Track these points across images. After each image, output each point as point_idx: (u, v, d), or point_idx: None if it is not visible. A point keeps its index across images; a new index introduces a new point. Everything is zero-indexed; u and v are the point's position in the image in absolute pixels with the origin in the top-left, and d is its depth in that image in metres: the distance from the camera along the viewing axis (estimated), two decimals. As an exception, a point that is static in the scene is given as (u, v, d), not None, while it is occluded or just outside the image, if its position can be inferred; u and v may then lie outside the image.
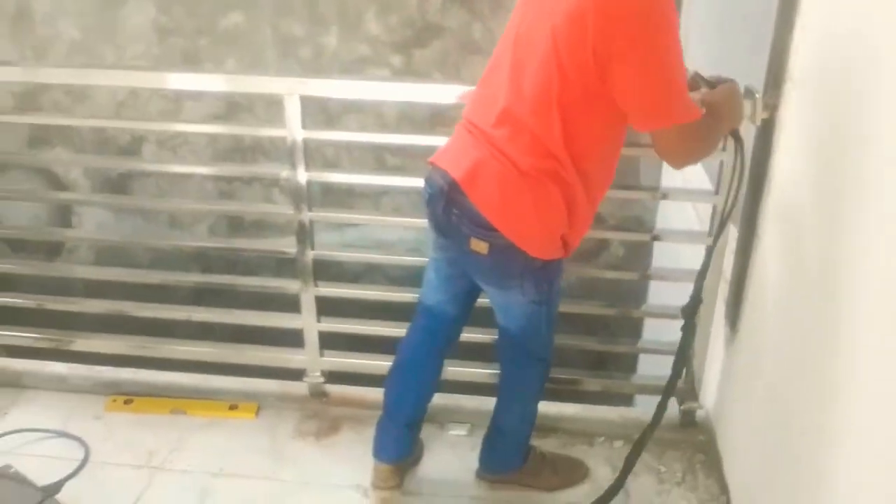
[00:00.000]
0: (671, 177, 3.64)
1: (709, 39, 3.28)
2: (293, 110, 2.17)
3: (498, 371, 2.25)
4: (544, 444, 2.40)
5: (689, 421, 2.49)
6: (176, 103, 3.80)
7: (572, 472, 2.30)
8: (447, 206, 1.76)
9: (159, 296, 2.77)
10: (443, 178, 1.76)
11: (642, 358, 3.62)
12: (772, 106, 2.03)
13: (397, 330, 2.39)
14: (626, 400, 3.28)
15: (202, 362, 2.70)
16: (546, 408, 2.39)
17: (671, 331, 2.68)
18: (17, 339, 2.71)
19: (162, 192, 3.97)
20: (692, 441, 2.45)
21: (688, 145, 1.72)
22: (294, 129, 2.20)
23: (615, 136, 1.77)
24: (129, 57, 3.73)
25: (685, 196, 2.60)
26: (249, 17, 3.62)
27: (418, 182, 1.91)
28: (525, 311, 1.90)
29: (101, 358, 2.76)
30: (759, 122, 2.05)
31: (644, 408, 2.75)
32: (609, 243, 3.84)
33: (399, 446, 2.18)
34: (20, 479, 1.99)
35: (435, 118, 3.45)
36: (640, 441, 2.11)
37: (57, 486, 1.95)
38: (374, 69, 3.61)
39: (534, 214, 1.71)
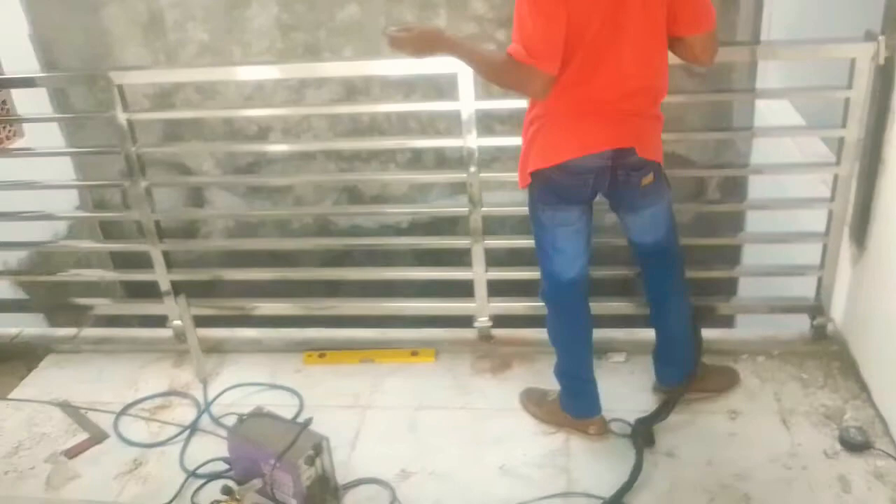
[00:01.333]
0: (763, 117, 3.93)
1: None
2: (466, 86, 2.50)
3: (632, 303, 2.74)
4: (694, 364, 2.73)
5: (820, 335, 2.80)
6: (298, 93, 4.14)
7: (731, 377, 2.64)
8: (614, 174, 2.16)
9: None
10: (601, 158, 2.12)
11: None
12: (892, 47, 2.32)
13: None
14: (728, 321, 3.51)
15: (369, 317, 3.09)
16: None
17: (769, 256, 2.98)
18: (209, 311, 3.10)
19: (289, 175, 4.32)
20: (826, 351, 2.76)
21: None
22: (467, 102, 2.53)
23: None
24: (254, 53, 4.07)
25: (818, 132, 2.89)
26: (364, 8, 3.95)
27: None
28: (668, 214, 2.36)
29: (276, 320, 3.16)
30: (882, 61, 2.34)
31: (769, 328, 3.05)
32: (706, 186, 4.12)
33: (598, 397, 2.50)
34: (276, 416, 2.37)
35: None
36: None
37: (308, 420, 2.32)
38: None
39: (660, 138, 2.23)
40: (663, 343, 2.57)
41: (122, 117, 2.74)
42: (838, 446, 2.36)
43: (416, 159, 4.28)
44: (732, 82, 3.80)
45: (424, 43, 2.15)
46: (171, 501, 2.33)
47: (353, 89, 4.09)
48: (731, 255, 3.62)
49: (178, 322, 3.05)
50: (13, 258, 3.87)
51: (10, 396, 2.93)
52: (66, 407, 2.83)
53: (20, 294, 3.82)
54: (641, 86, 2.10)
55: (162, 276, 3.01)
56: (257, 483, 2.18)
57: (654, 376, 2.62)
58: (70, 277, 3.38)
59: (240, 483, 2.27)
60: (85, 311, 3.30)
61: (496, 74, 2.11)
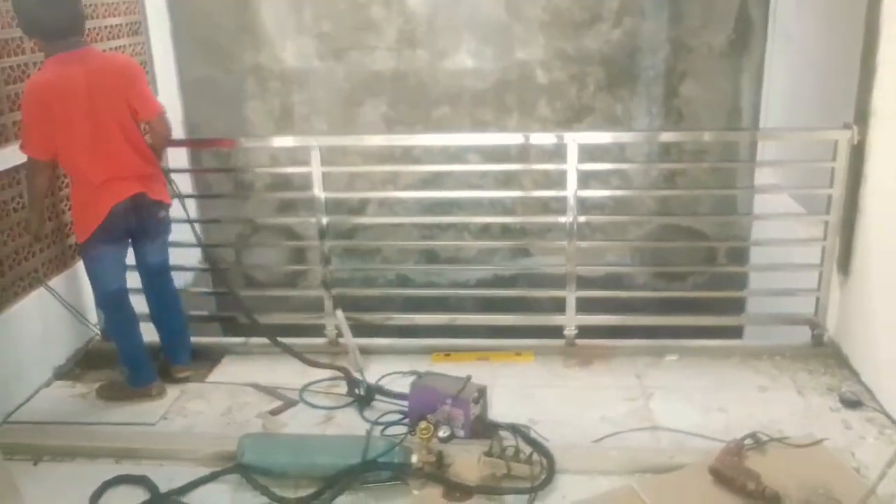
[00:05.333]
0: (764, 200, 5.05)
1: (794, 89, 4.81)
2: (573, 152, 3.59)
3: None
4: (727, 364, 3.73)
5: (818, 342, 3.81)
6: (393, 173, 5.23)
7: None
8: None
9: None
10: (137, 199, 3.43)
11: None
12: (862, 132, 3.47)
13: (641, 293, 3.77)
14: (738, 332, 4.60)
15: (477, 329, 4.06)
16: (728, 343, 3.86)
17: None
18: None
19: (380, 239, 5.32)
20: (824, 353, 3.76)
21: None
22: (573, 164, 3.61)
23: None
24: (362, 144, 5.17)
25: (812, 190, 3.89)
26: (454, 108, 5.11)
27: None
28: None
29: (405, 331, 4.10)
30: (855, 142, 3.49)
31: (769, 339, 4.06)
32: (716, 254, 5.21)
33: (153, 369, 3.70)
34: (444, 374, 3.30)
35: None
36: None
37: (469, 376, 3.24)
38: (541, 139, 5.10)
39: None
40: (170, 336, 3.77)
41: (317, 171, 3.77)
42: (839, 404, 3.35)
43: (485, 229, 5.34)
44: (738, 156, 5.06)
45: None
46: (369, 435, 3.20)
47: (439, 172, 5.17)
48: (740, 282, 4.73)
49: (330, 329, 3.99)
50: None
51: (207, 380, 3.80)
52: (257, 386, 3.71)
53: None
54: None
55: (327, 293, 3.97)
56: (445, 410, 3.08)
57: (170, 362, 3.76)
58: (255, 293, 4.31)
59: (411, 429, 3.17)
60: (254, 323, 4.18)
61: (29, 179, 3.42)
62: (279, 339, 3.85)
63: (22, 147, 3.29)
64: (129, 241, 3.54)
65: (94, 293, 3.67)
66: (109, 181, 3.32)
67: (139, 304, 3.71)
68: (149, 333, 3.75)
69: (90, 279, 3.61)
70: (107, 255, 3.44)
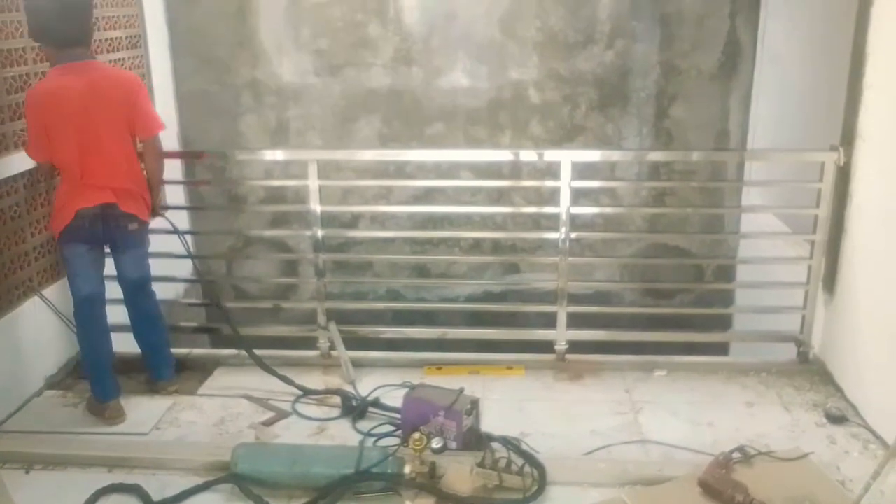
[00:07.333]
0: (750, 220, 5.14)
1: (781, 112, 4.92)
2: (566, 169, 3.65)
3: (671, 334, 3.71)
4: (715, 379, 3.79)
5: (804, 358, 3.87)
6: (386, 188, 5.28)
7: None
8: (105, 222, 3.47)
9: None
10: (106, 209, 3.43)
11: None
12: (848, 154, 3.55)
13: (630, 309, 3.82)
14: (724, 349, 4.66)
15: (468, 343, 4.10)
16: (716, 360, 3.92)
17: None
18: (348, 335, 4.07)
19: (371, 254, 5.36)
20: (809, 370, 3.83)
21: None
22: (566, 181, 3.68)
23: None
24: (358, 158, 5.22)
25: (799, 210, 3.99)
26: (448, 126, 5.18)
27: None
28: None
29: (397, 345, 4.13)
30: (842, 164, 3.57)
31: (755, 356, 4.09)
32: (704, 272, 5.28)
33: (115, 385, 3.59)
34: (437, 386, 3.33)
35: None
36: None
37: (462, 388, 3.27)
38: (534, 157, 5.17)
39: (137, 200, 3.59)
40: (150, 351, 3.77)
41: (314, 184, 3.82)
42: (824, 420, 3.41)
43: (476, 245, 5.40)
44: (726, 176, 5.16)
45: None
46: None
47: (431, 188, 5.22)
48: (727, 300, 4.79)
49: (323, 342, 4.02)
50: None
51: (198, 392, 3.82)
52: (249, 397, 3.72)
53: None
54: None
55: (321, 305, 4.01)
56: (438, 421, 3.12)
57: (152, 377, 3.77)
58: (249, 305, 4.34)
59: (404, 440, 3.20)
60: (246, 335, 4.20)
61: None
62: (266, 353, 3.93)
63: (25, 147, 3.52)
64: (107, 250, 3.55)
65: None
66: (85, 187, 3.37)
67: (120, 315, 3.72)
68: (131, 346, 3.81)
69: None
70: (76, 258, 3.45)
